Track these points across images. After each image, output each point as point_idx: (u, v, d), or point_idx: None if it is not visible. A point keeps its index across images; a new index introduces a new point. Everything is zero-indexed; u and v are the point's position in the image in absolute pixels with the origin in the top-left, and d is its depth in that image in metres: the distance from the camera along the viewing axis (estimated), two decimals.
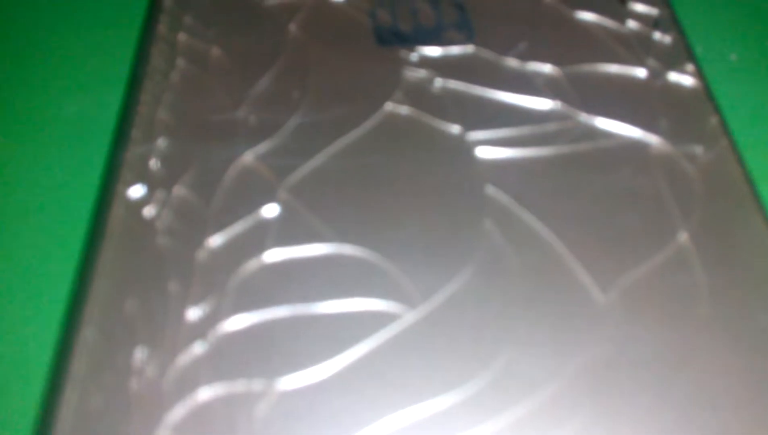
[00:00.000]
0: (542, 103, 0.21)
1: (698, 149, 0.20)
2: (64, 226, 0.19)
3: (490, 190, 0.19)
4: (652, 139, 0.20)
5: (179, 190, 0.18)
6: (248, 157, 0.19)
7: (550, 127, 0.20)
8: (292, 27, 0.23)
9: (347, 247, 0.17)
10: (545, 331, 0.16)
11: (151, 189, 0.18)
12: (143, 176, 0.18)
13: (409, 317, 0.16)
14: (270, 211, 0.18)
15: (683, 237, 0.18)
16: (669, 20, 0.24)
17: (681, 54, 0.23)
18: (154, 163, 0.18)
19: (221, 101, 0.20)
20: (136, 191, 0.18)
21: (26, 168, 0.20)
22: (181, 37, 0.22)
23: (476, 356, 0.15)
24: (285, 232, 0.17)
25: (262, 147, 0.19)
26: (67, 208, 0.19)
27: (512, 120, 0.21)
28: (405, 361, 0.15)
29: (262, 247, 0.17)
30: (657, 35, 0.23)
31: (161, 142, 0.19)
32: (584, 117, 0.21)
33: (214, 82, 0.21)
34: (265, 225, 0.18)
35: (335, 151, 0.19)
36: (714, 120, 0.21)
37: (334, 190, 0.18)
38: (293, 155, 0.19)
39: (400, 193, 0.19)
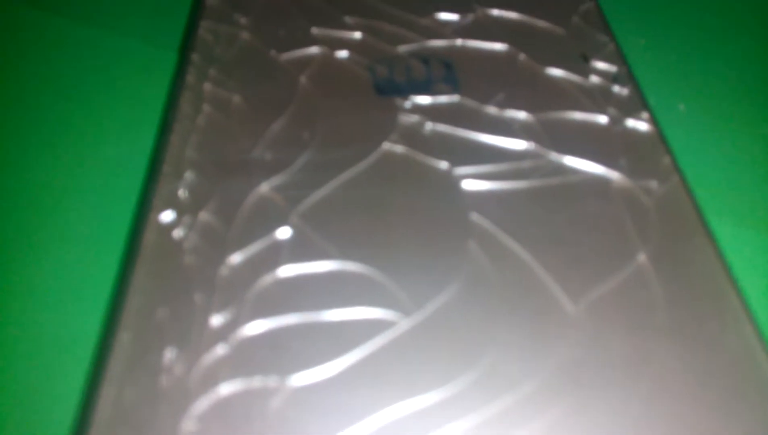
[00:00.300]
0: (518, 144, 0.22)
1: (653, 184, 0.21)
2: (104, 247, 0.19)
3: (474, 216, 0.19)
4: (613, 175, 0.21)
5: (204, 216, 0.18)
6: (264, 188, 0.20)
7: (525, 163, 0.21)
8: (303, 79, 0.24)
9: (350, 264, 0.18)
10: (523, 335, 0.16)
11: (180, 215, 0.18)
12: (173, 204, 0.19)
13: (404, 324, 0.16)
14: (283, 233, 0.18)
15: (641, 257, 0.19)
16: (626, 75, 0.25)
17: (637, 104, 0.24)
18: (182, 193, 0.19)
19: (241, 141, 0.21)
20: (167, 216, 0.18)
21: (73, 199, 0.21)
22: (207, 86, 0.23)
23: (463, 357, 0.16)
24: (296, 251, 0.18)
25: (276, 179, 0.20)
26: (107, 232, 0.19)
27: (492, 157, 0.21)
28: (400, 362, 0.15)
29: (276, 264, 0.17)
30: (616, 88, 0.24)
31: (188, 176, 0.20)
32: (554, 156, 0.21)
33: (234, 125, 0.22)
34: (278, 245, 0.18)
35: (339, 184, 0.20)
36: (666, 159, 0.22)
37: (339, 216, 0.19)
38: (303, 187, 0.20)
39: (396, 219, 0.19)
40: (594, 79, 0.24)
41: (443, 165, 0.21)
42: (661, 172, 0.21)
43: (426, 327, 0.16)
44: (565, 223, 0.19)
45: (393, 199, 0.20)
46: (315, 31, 0.26)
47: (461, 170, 0.21)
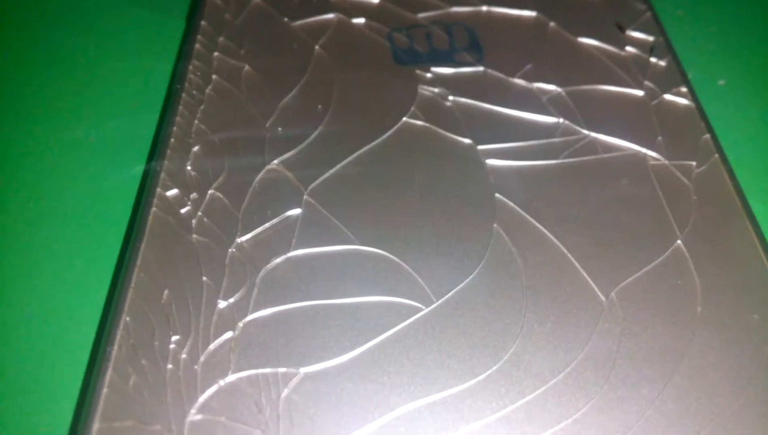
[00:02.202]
0: (547, 120, 0.21)
1: (692, 164, 0.20)
2: (108, 225, 0.19)
3: (499, 198, 0.19)
4: (650, 153, 0.20)
5: (213, 193, 0.18)
6: (276, 165, 0.19)
7: (555, 141, 0.20)
8: (317, 48, 0.23)
9: (366, 247, 0.17)
10: (550, 326, 0.16)
11: (188, 191, 0.18)
12: (180, 180, 0.18)
13: (424, 313, 0.16)
14: (295, 213, 0.18)
15: (678, 243, 0.18)
16: (664, 46, 0.24)
17: (675, 77, 0.22)
18: (190, 169, 0.18)
19: (252, 114, 0.20)
20: (174, 193, 0.18)
21: (76, 173, 0.20)
22: (216, 55, 0.22)
23: (486, 349, 0.15)
24: (309, 232, 0.17)
25: (289, 156, 0.19)
26: (111, 209, 0.19)
27: (520, 134, 0.20)
28: (420, 353, 0.15)
29: (288, 246, 0.17)
30: (653, 60, 0.23)
31: (197, 151, 0.19)
32: (586, 133, 0.20)
33: (245, 97, 0.21)
34: (290, 226, 0.17)
35: (356, 160, 0.19)
36: (706, 137, 0.21)
37: (354, 195, 0.18)
38: (317, 164, 0.19)
39: (415, 199, 0.18)
40: (630, 49, 0.23)
41: (466, 142, 0.20)
42: (700, 151, 0.20)
43: (448, 316, 0.16)
44: (597, 204, 0.19)
45: (412, 178, 0.19)
46: None
47: (486, 148, 0.20)
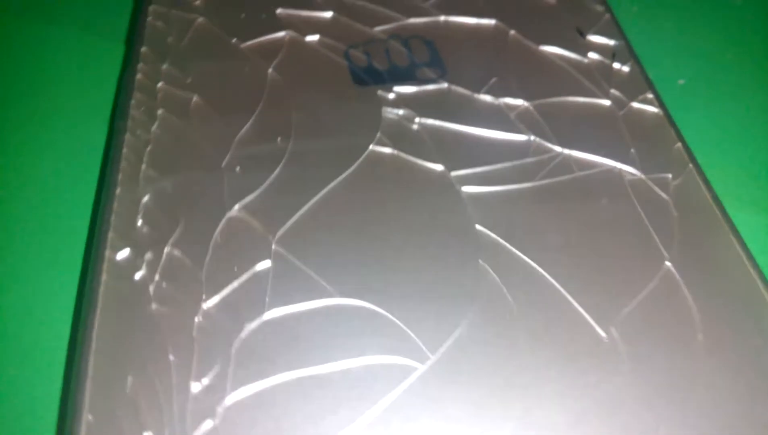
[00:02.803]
0: (517, 138, 0.20)
1: (668, 176, 0.19)
2: (54, 300, 0.16)
3: (480, 229, 0.17)
4: (625, 168, 0.19)
5: (170, 251, 0.16)
6: (237, 210, 0.17)
7: (529, 161, 0.19)
8: (271, 71, 0.21)
9: (346, 299, 0.16)
10: (555, 373, 0.15)
11: (141, 251, 0.16)
12: (131, 238, 0.16)
13: (418, 372, 0.14)
14: (264, 266, 0.16)
15: (667, 265, 0.17)
16: (625, 50, 0.23)
17: (640, 83, 0.22)
18: (141, 224, 0.16)
19: (206, 153, 0.19)
20: (125, 254, 0.16)
21: (10, 236, 0.18)
22: (161, 86, 0.20)
23: (492, 406, 0.14)
24: (282, 288, 0.16)
25: (251, 199, 0.17)
26: (56, 279, 0.17)
27: (492, 156, 0.19)
28: (420, 418, 0.14)
29: (261, 307, 0.15)
30: (616, 66, 0.22)
31: (148, 201, 0.17)
32: (558, 149, 0.20)
33: (196, 133, 0.19)
34: (261, 282, 0.16)
35: (324, 199, 0.18)
36: (678, 146, 0.20)
37: (327, 239, 0.17)
38: (283, 206, 0.17)
39: (392, 238, 0.17)
40: (592, 56, 0.23)
41: (438, 168, 0.19)
42: (674, 161, 0.20)
43: (446, 373, 0.14)
44: (580, 228, 0.18)
45: (386, 213, 0.18)
46: (281, 12, 0.23)
47: (459, 174, 0.19)
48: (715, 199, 0.19)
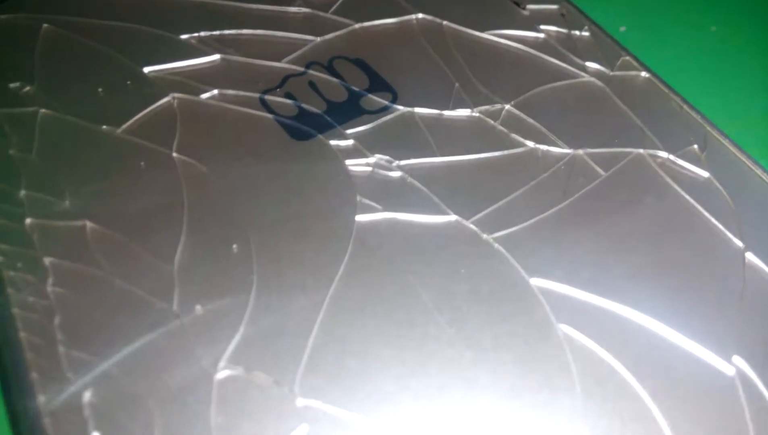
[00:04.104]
0: (517, 152, 0.16)
1: (693, 147, 0.17)
2: None
3: (536, 283, 0.14)
4: (649, 152, 0.16)
5: None
6: (224, 367, 0.12)
7: (544, 178, 0.16)
8: (175, 154, 0.15)
9: None
10: None
11: None
12: None
13: None
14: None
15: (747, 255, 0.14)
16: (575, 11, 0.20)
17: (609, 46, 0.19)
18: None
19: (140, 297, 0.13)
20: None
21: None
22: (34, 224, 0.14)
23: None
24: None
25: (234, 347, 0.12)
26: None
27: (500, 185, 0.15)
28: None
29: None
30: (575, 33, 0.19)
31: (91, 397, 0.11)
32: (568, 150, 0.16)
33: (116, 277, 0.13)
34: None
35: (326, 325, 0.13)
36: (685, 110, 0.18)
37: (359, 382, 0.12)
38: (281, 348, 0.12)
39: (441, 336, 0.13)
40: (545, 28, 0.19)
41: (450, 219, 0.15)
42: (690, 128, 0.17)
43: None
44: (639, 244, 0.15)
45: (421, 303, 0.13)
46: (150, 72, 0.17)
47: (476, 218, 0.15)
48: (750, 159, 0.16)
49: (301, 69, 0.18)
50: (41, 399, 0.11)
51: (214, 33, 0.18)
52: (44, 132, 0.16)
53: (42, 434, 0.11)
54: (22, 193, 0.15)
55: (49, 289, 0.13)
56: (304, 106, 0.17)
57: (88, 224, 0.14)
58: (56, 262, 0.13)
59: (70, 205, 0.14)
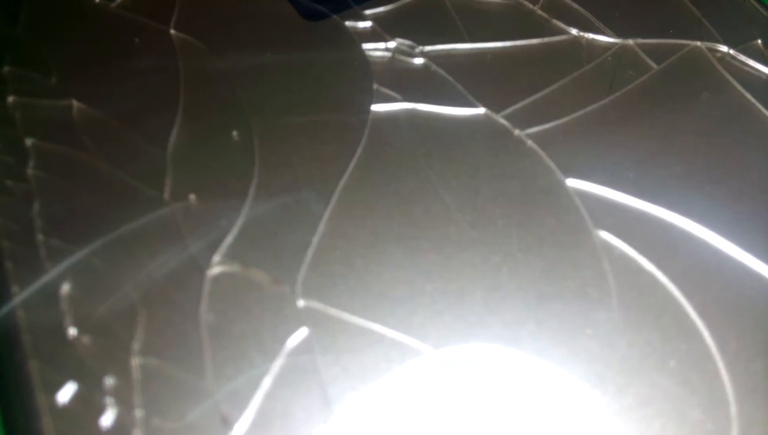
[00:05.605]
0: (558, 39, 0.14)
1: (757, 42, 0.15)
2: None
3: (572, 184, 0.12)
4: (707, 45, 0.14)
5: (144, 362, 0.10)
6: (219, 262, 0.11)
7: (587, 70, 0.14)
8: (173, 31, 0.14)
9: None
10: None
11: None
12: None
13: None
14: (300, 339, 0.10)
15: None
16: None
17: None
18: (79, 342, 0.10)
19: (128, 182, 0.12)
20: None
21: None
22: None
23: None
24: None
25: (230, 242, 0.11)
26: None
27: (536, 72, 0.14)
28: None
29: None
30: None
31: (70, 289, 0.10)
32: (615, 39, 0.14)
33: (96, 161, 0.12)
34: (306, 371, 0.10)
35: (332, 227, 0.12)
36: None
37: (374, 282, 0.11)
38: (282, 244, 0.11)
39: (465, 243, 0.11)
40: None
41: (478, 112, 0.13)
42: (753, 20, 0.15)
43: None
44: (693, 147, 0.13)
45: (443, 208, 0.12)
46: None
47: (507, 113, 0.13)
48: None
49: None
50: (14, 289, 0.10)
51: None
52: (31, 4, 0.14)
53: (16, 329, 0.10)
54: (5, 69, 0.13)
55: (30, 171, 0.12)
56: None
57: (75, 103, 0.13)
58: (38, 143, 0.12)
59: (56, 82, 0.13)
